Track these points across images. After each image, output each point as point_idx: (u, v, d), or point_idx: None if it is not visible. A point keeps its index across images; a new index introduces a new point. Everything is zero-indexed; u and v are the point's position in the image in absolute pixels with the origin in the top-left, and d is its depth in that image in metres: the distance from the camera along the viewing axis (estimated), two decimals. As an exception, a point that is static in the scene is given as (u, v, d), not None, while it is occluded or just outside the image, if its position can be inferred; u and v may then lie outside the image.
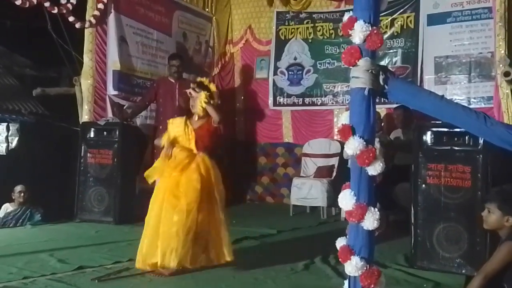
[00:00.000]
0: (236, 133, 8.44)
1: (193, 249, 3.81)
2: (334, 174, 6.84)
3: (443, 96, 2.28)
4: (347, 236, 2.27)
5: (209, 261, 3.95)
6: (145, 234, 3.90)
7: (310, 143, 7.45)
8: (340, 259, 2.25)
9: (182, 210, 3.78)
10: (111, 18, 6.55)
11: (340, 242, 2.27)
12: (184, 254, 3.74)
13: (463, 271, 3.82)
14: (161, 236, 3.76)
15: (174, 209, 3.80)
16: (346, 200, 2.23)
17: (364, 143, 2.20)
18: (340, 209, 5.82)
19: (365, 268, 2.18)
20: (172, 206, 3.82)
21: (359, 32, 2.24)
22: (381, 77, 2.25)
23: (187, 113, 4.26)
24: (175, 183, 3.91)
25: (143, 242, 3.86)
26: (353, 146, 2.21)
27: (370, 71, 2.23)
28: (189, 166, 3.96)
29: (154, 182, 4.11)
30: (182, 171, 3.94)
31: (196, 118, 4.18)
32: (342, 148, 6.41)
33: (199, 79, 4.35)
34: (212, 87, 4.21)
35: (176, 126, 4.18)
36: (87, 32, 6.41)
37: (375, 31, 2.22)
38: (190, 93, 4.10)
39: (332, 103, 7.73)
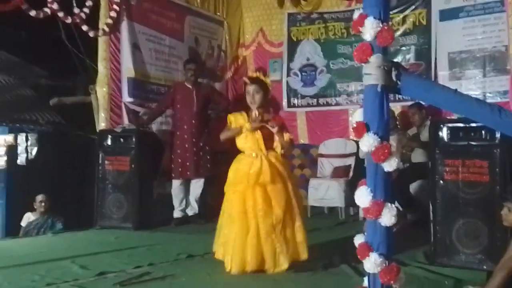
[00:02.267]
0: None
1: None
2: (351, 174, 6.82)
3: (456, 90, 2.26)
4: (365, 233, 2.27)
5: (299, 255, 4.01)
6: (241, 239, 3.88)
7: (325, 143, 7.44)
8: (358, 256, 2.24)
9: (279, 218, 3.86)
10: (124, 26, 6.61)
11: (358, 240, 2.27)
12: (291, 253, 3.91)
13: (484, 267, 3.78)
14: (264, 244, 3.84)
15: (271, 217, 3.86)
16: (363, 196, 2.22)
17: (379, 139, 2.20)
18: (358, 208, 5.82)
19: (384, 265, 2.18)
20: (268, 215, 3.86)
21: (369, 29, 2.23)
22: (393, 73, 2.24)
23: (245, 109, 4.17)
24: (264, 191, 3.91)
25: (242, 248, 3.86)
26: (368, 143, 2.20)
27: (382, 67, 2.22)
28: (271, 176, 3.92)
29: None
30: (266, 181, 3.92)
31: (257, 113, 4.07)
32: (358, 147, 6.41)
33: (254, 74, 4.26)
34: (268, 81, 4.17)
35: (238, 123, 4.12)
36: (101, 40, 6.48)
37: (386, 27, 2.22)
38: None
39: (346, 102, 7.71)
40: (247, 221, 3.88)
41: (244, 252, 3.84)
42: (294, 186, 4.08)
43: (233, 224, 3.93)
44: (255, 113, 4.07)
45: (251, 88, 4.07)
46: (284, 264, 3.85)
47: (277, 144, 4.05)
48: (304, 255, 3.98)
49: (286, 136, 4.05)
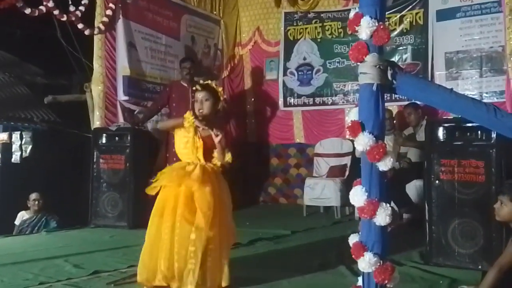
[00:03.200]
0: (247, 135, 8.45)
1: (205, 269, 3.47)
2: (347, 173, 6.82)
3: (452, 89, 2.25)
4: (360, 233, 2.26)
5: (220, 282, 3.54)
6: (152, 246, 3.54)
7: (322, 143, 7.44)
8: (353, 256, 2.23)
9: (200, 228, 3.44)
10: (120, 24, 6.59)
11: (353, 239, 2.26)
12: (201, 275, 3.43)
13: (480, 267, 3.79)
14: (176, 255, 3.42)
15: (191, 225, 3.45)
16: (358, 196, 2.21)
17: (374, 138, 2.19)
18: (354, 208, 5.82)
19: (378, 264, 2.17)
20: (189, 222, 3.46)
21: (365, 28, 2.22)
22: (389, 72, 2.23)
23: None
24: (189, 195, 3.52)
25: (151, 256, 3.52)
26: (363, 142, 2.19)
27: (378, 66, 2.21)
28: (201, 178, 3.55)
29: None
30: (194, 183, 3.53)
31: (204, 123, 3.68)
32: (354, 147, 6.39)
33: (203, 82, 3.88)
34: (219, 90, 3.81)
35: (186, 128, 3.71)
36: (96, 38, 6.45)
37: (381, 27, 2.21)
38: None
39: (342, 102, 7.71)
40: (161, 225, 3.50)
41: (153, 262, 3.48)
42: (227, 211, 3.70)
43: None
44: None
45: (200, 94, 3.69)
46: (190, 285, 3.38)
47: (215, 156, 3.66)
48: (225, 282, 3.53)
49: (227, 156, 3.65)
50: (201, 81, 3.87)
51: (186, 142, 3.70)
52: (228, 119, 8.24)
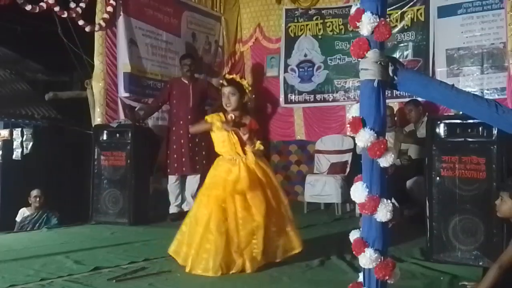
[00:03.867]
0: (248, 132, 8.43)
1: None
2: (348, 170, 6.82)
3: (453, 85, 2.25)
4: (361, 229, 2.25)
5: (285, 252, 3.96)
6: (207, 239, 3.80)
7: (322, 139, 7.43)
8: (354, 252, 2.23)
9: (259, 227, 3.80)
10: (121, 21, 6.58)
11: (354, 235, 2.25)
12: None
13: (480, 263, 3.78)
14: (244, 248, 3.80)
15: (252, 224, 3.81)
16: (359, 192, 2.21)
17: (375, 135, 2.18)
18: (355, 205, 5.82)
19: (379, 260, 2.17)
20: (250, 223, 3.81)
21: (366, 24, 2.22)
22: (390, 68, 2.22)
23: (221, 110, 4.03)
24: (244, 199, 3.84)
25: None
26: (364, 138, 2.19)
27: (379, 62, 2.20)
28: (248, 181, 3.84)
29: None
30: (243, 189, 3.85)
31: (233, 116, 3.93)
32: (355, 143, 6.40)
33: (229, 76, 4.10)
34: (245, 83, 4.01)
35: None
36: (97, 35, 6.45)
37: (383, 22, 2.20)
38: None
39: (343, 99, 7.70)
40: (226, 228, 3.79)
41: (223, 257, 3.75)
42: (274, 189, 4.02)
43: (197, 226, 3.86)
44: (230, 116, 3.93)
45: (226, 90, 3.93)
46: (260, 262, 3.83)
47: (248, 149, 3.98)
48: (298, 248, 4.00)
49: (257, 144, 3.96)
50: (226, 75, 4.05)
51: (223, 141, 3.98)
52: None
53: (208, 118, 4.10)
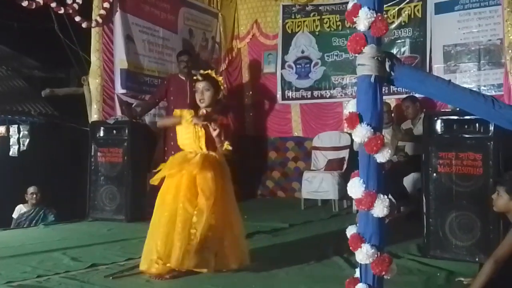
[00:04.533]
0: (245, 128, 8.43)
1: (204, 253, 3.59)
2: (345, 166, 6.81)
3: (450, 80, 2.25)
4: (357, 224, 2.25)
5: (225, 265, 3.70)
6: (153, 234, 3.65)
7: (319, 136, 7.43)
8: (350, 247, 2.23)
9: (202, 211, 3.55)
10: (117, 17, 6.57)
11: (351, 231, 2.25)
12: (200, 258, 3.56)
13: (477, 259, 3.79)
14: (178, 235, 3.51)
15: (194, 208, 3.57)
16: (356, 188, 2.20)
17: (372, 130, 2.18)
18: (351, 201, 5.82)
19: (376, 256, 2.16)
20: (192, 205, 3.57)
21: (363, 19, 2.21)
22: (387, 64, 2.22)
23: (194, 107, 3.85)
24: (191, 179, 3.61)
25: (157, 243, 3.58)
26: (361, 133, 2.18)
27: (376, 58, 2.20)
28: (201, 163, 3.63)
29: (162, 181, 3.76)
30: (194, 168, 3.62)
31: (204, 112, 3.79)
32: (352, 140, 6.40)
33: (204, 71, 3.92)
34: (220, 79, 3.91)
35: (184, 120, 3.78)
36: (94, 31, 6.43)
37: (379, 18, 2.19)
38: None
39: (341, 95, 7.70)
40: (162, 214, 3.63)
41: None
42: (230, 196, 3.80)
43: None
44: (202, 111, 3.78)
45: (200, 85, 3.78)
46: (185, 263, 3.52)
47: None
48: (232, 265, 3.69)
49: (225, 145, 3.71)
50: (201, 71, 3.91)
51: (187, 132, 3.77)
52: (227, 112, 8.22)
53: (178, 111, 3.91)
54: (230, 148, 3.73)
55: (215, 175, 3.66)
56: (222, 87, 3.92)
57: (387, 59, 2.24)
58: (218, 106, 3.91)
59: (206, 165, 3.65)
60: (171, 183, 3.69)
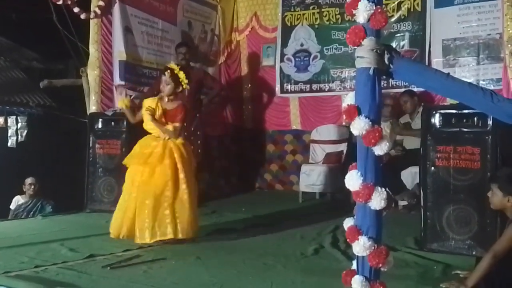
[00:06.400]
0: (244, 121, 8.43)
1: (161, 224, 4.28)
2: (343, 160, 6.82)
3: (448, 74, 2.25)
4: (355, 217, 2.26)
5: (176, 233, 4.29)
6: (119, 209, 4.47)
7: (318, 129, 7.43)
8: (348, 239, 2.24)
9: (154, 195, 4.30)
10: (116, 8, 6.54)
11: (348, 223, 2.26)
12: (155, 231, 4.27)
13: (474, 253, 3.82)
14: (138, 217, 4.30)
15: (148, 194, 4.32)
16: (353, 180, 2.21)
17: (370, 122, 2.18)
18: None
19: (373, 248, 2.17)
20: (146, 194, 4.33)
21: (363, 11, 2.21)
22: (386, 56, 2.22)
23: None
24: (151, 172, 4.38)
25: (117, 217, 4.46)
26: (359, 126, 2.18)
27: (375, 50, 2.20)
28: (163, 157, 4.39)
29: None
30: (156, 161, 4.39)
31: (166, 99, 4.55)
32: (351, 133, 6.40)
33: (170, 66, 4.67)
34: (182, 76, 4.53)
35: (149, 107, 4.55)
36: (93, 23, 6.41)
37: (379, 10, 2.19)
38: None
39: (339, 88, 7.67)
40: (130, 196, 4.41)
41: (121, 220, 4.38)
42: (188, 171, 4.46)
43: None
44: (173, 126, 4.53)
45: (163, 78, 4.59)
46: (147, 239, 4.24)
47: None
48: (183, 234, 4.31)
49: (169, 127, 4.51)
50: (169, 65, 4.67)
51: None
52: (225, 104, 8.23)
53: (146, 102, 4.64)
54: (170, 128, 4.49)
55: (172, 161, 4.39)
56: (183, 82, 4.57)
57: (386, 52, 2.24)
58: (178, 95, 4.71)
59: (165, 154, 4.39)
60: (135, 172, 4.50)
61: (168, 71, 4.55)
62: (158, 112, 4.53)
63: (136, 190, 4.38)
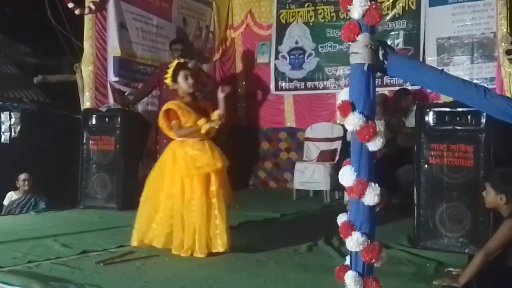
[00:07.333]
0: (238, 119, 8.42)
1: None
2: (337, 158, 6.82)
3: (442, 70, 2.26)
4: (348, 212, 2.26)
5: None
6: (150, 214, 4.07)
7: (312, 127, 7.44)
8: (341, 235, 2.24)
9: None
10: (111, 4, 6.53)
11: (341, 218, 2.26)
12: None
13: (466, 250, 3.82)
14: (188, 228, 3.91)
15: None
16: (347, 176, 2.21)
17: (364, 118, 2.19)
18: (343, 192, 5.84)
19: (366, 243, 2.18)
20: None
21: (358, 7, 2.21)
22: (380, 52, 2.22)
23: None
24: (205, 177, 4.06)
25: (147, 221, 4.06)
26: (353, 122, 2.19)
27: (369, 46, 2.20)
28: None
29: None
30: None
31: (189, 99, 4.23)
32: (345, 131, 6.43)
33: (179, 60, 4.35)
34: (169, 72, 4.20)
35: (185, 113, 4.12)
36: (87, 18, 6.39)
37: (373, 6, 2.20)
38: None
39: (334, 86, 7.69)
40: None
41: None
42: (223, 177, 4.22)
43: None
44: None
45: (182, 73, 4.21)
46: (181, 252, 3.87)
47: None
48: (218, 248, 3.90)
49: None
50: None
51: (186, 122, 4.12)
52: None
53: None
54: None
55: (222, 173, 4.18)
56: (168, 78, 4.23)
57: (380, 48, 2.24)
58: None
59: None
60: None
61: (187, 65, 4.31)
62: (189, 116, 4.11)
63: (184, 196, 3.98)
